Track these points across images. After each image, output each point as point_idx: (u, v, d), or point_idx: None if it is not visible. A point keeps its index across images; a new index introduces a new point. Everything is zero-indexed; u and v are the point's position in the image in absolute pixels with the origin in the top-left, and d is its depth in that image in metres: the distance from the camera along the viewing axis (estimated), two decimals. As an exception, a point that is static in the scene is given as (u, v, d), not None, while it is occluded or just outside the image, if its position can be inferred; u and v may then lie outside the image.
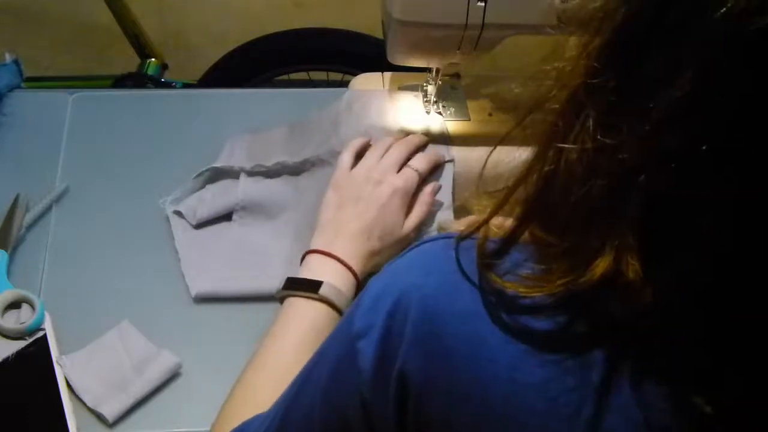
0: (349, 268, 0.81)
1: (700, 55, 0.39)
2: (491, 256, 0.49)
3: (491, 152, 0.54)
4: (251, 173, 0.97)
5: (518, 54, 1.66)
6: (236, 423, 0.66)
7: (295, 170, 0.96)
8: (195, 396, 0.81)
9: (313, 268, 0.81)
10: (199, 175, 0.98)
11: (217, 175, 0.98)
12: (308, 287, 0.78)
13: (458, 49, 0.89)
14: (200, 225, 0.94)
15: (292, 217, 0.94)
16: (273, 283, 0.84)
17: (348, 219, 0.84)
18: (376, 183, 0.86)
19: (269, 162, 0.96)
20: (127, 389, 0.79)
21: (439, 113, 1.00)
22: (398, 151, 0.90)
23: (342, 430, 0.55)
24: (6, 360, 0.81)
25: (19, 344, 0.82)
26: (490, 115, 1.02)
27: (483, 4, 0.84)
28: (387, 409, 0.52)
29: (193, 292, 0.89)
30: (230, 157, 0.99)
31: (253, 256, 0.92)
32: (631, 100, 0.42)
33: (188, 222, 0.95)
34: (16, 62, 1.12)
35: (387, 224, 0.85)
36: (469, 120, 1.00)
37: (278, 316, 0.79)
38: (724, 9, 0.38)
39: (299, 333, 0.76)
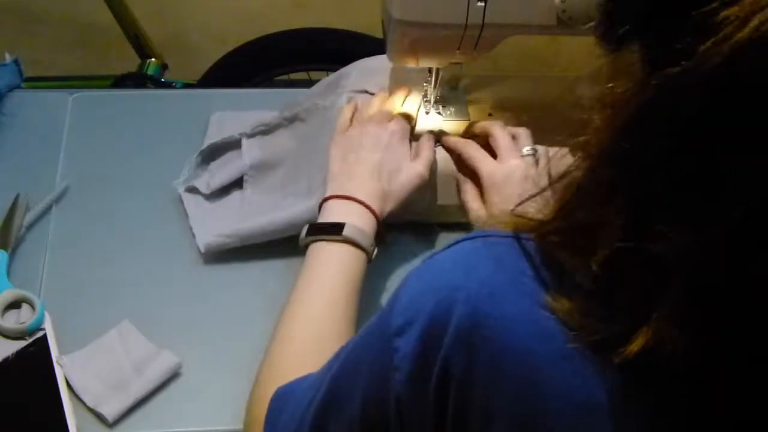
0: (368, 207, 0.82)
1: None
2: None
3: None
4: (252, 135, 0.98)
5: (518, 54, 1.67)
6: (280, 375, 0.67)
7: (294, 119, 0.99)
8: (195, 396, 0.81)
9: (334, 212, 0.82)
10: (199, 154, 1.00)
11: (217, 150, 1.00)
12: (331, 230, 0.79)
13: (458, 49, 0.89)
14: (213, 197, 0.96)
15: (302, 167, 0.95)
16: (291, 222, 0.87)
17: (355, 165, 0.86)
18: (374, 131, 0.88)
19: (267, 121, 0.99)
20: (127, 389, 0.79)
21: (439, 113, 1.00)
22: (388, 104, 0.93)
23: (380, 419, 0.55)
24: (6, 360, 0.81)
25: (19, 344, 0.82)
26: (490, 115, 1.02)
27: (483, 4, 0.84)
28: (424, 407, 0.51)
29: (202, 244, 0.91)
30: (220, 131, 1.01)
31: (266, 215, 0.93)
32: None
33: (202, 194, 0.96)
34: (16, 62, 1.12)
35: (394, 163, 0.87)
36: (469, 120, 1.00)
37: (304, 262, 0.80)
38: None
39: (328, 275, 0.77)
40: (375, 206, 0.82)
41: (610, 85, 0.46)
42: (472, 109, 1.01)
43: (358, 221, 0.80)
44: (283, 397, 0.65)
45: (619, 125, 0.45)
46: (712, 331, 0.42)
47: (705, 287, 0.42)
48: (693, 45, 0.39)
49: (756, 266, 0.40)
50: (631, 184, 0.44)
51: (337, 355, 0.60)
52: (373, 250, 0.81)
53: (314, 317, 0.74)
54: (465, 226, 0.91)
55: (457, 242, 0.54)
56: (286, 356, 0.72)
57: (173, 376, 0.82)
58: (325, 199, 0.84)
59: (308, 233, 0.81)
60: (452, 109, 1.01)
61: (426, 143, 0.92)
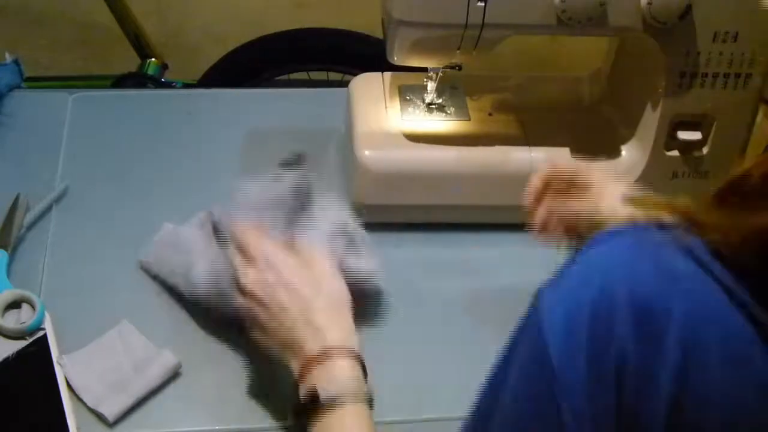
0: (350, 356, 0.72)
1: None
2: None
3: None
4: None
5: (518, 54, 1.67)
6: None
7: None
8: (195, 396, 0.81)
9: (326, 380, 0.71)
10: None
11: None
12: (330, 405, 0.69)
13: (458, 49, 0.89)
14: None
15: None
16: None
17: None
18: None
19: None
20: (127, 389, 0.79)
21: (439, 113, 1.00)
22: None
23: None
24: (6, 360, 0.81)
25: (19, 344, 0.82)
26: (490, 115, 1.02)
27: (483, 4, 0.84)
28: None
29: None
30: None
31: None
32: None
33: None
34: (16, 62, 1.12)
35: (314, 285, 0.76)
36: (469, 120, 1.00)
37: None
38: None
39: None
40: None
41: None
42: (472, 109, 1.02)
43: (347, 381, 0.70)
44: None
45: None
46: None
47: None
48: None
49: None
50: None
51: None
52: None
53: None
54: (466, 226, 0.91)
55: (596, 242, 0.50)
56: None
57: (173, 376, 0.82)
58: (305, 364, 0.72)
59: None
60: (452, 109, 1.01)
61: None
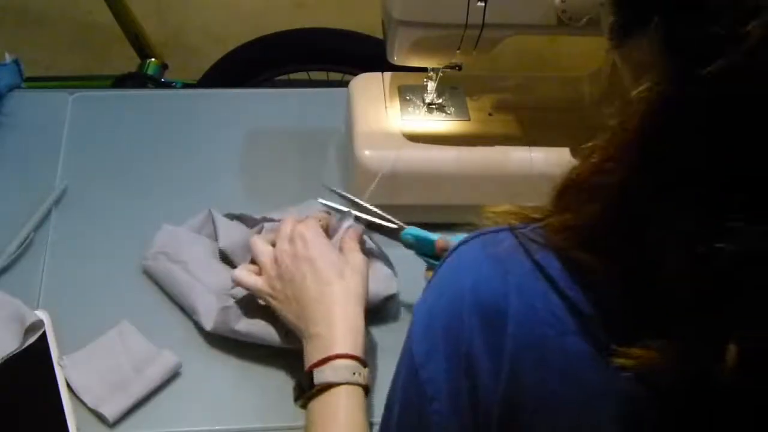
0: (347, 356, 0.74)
1: None
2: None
3: None
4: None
5: (518, 54, 1.67)
6: None
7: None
8: (195, 396, 0.81)
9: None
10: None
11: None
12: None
13: (458, 49, 0.89)
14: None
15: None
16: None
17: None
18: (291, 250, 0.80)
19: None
20: (127, 389, 0.79)
21: (439, 113, 1.00)
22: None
23: None
24: (6, 360, 0.80)
25: (19, 344, 0.82)
26: (490, 115, 1.02)
27: (483, 4, 0.84)
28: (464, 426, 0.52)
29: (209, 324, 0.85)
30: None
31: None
32: None
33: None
34: (16, 62, 1.12)
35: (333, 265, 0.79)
36: (469, 120, 1.00)
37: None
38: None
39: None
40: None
41: (636, 83, 0.45)
42: (472, 109, 1.02)
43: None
44: None
45: (656, 126, 0.44)
46: None
47: None
48: (733, 26, 0.38)
49: None
50: (686, 183, 0.43)
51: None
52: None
53: None
54: (466, 226, 0.91)
55: (454, 249, 0.55)
56: None
57: (173, 376, 0.82)
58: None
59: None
60: (452, 109, 1.01)
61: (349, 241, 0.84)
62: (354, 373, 0.72)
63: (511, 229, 0.52)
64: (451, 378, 0.52)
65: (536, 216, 0.52)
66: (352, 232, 0.85)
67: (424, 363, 0.53)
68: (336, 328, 0.74)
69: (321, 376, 0.72)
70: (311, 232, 0.81)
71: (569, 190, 0.50)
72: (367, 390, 0.73)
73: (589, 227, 0.48)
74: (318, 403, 0.72)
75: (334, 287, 0.77)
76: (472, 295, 0.51)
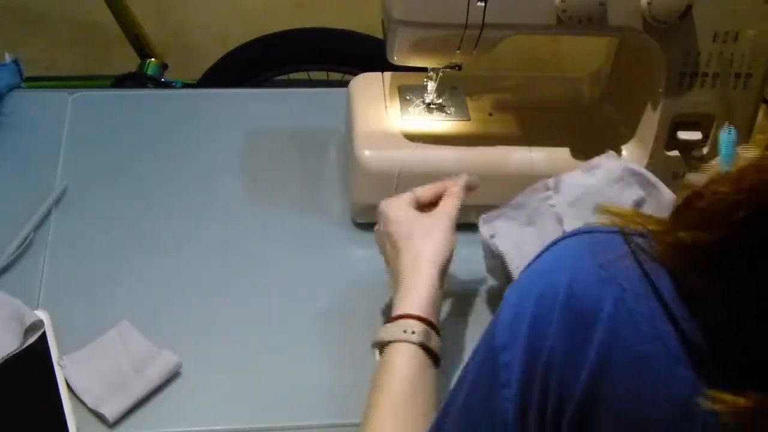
0: (415, 317, 0.76)
1: None
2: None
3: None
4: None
5: (518, 54, 1.67)
6: None
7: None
8: (195, 396, 0.81)
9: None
10: None
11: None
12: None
13: (458, 49, 0.89)
14: None
15: None
16: None
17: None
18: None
19: None
20: (127, 389, 0.79)
21: (439, 113, 1.00)
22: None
23: None
24: (6, 360, 0.80)
25: (19, 344, 0.82)
26: (490, 115, 1.02)
27: (483, 4, 0.84)
28: (537, 408, 0.51)
29: None
30: None
31: None
32: None
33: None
34: (16, 62, 1.12)
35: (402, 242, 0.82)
36: (469, 120, 1.00)
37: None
38: None
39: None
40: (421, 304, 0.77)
41: None
42: (472, 109, 1.02)
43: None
44: None
45: None
46: None
47: None
48: None
49: None
50: None
51: (450, 403, 0.58)
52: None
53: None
54: (465, 226, 0.90)
55: (561, 239, 0.53)
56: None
57: (173, 376, 0.82)
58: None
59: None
60: (452, 109, 1.01)
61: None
62: (405, 331, 0.74)
63: (624, 233, 0.50)
64: (526, 369, 0.51)
65: (653, 228, 0.50)
66: (455, 189, 0.86)
67: (504, 347, 0.52)
68: (398, 291, 0.78)
69: (376, 336, 0.76)
70: (392, 210, 0.84)
71: (694, 208, 0.47)
72: (426, 348, 0.74)
73: (711, 251, 0.46)
74: (379, 362, 0.75)
75: (402, 254, 0.80)
76: (566, 293, 0.50)
